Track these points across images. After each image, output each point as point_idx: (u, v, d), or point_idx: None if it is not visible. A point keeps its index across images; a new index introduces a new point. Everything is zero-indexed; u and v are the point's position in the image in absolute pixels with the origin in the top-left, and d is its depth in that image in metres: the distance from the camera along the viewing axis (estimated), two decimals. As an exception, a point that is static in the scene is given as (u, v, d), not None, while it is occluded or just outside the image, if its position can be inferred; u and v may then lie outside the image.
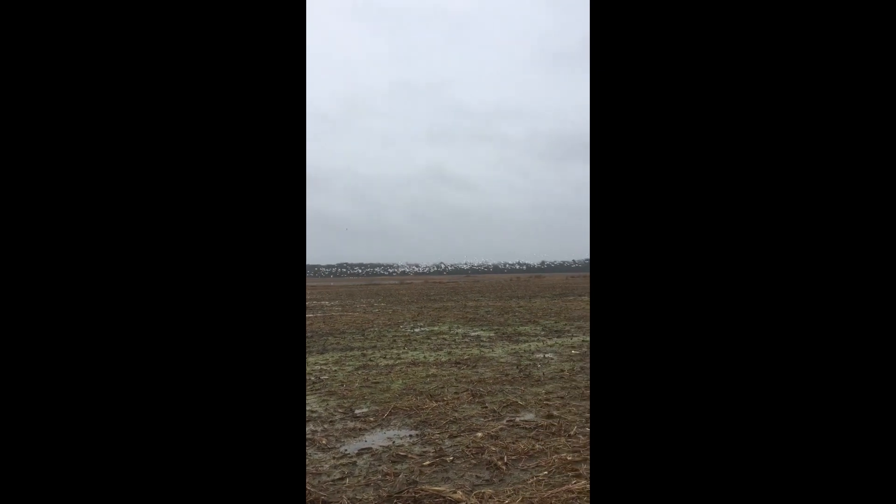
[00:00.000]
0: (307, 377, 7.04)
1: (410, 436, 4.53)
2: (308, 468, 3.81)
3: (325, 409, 5.47)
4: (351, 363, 8.13)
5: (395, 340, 10.74)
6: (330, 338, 11.32)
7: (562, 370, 7.18)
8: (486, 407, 5.38)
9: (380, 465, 3.83)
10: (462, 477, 3.58)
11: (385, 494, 3.31)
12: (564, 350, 9.00)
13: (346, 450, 4.21)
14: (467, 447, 4.16)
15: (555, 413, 5.07)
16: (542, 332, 11.54)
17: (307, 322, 14.62)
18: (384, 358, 8.56)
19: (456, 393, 5.99)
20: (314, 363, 8.23)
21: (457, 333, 11.76)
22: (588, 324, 12.99)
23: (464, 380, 6.70)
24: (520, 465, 3.77)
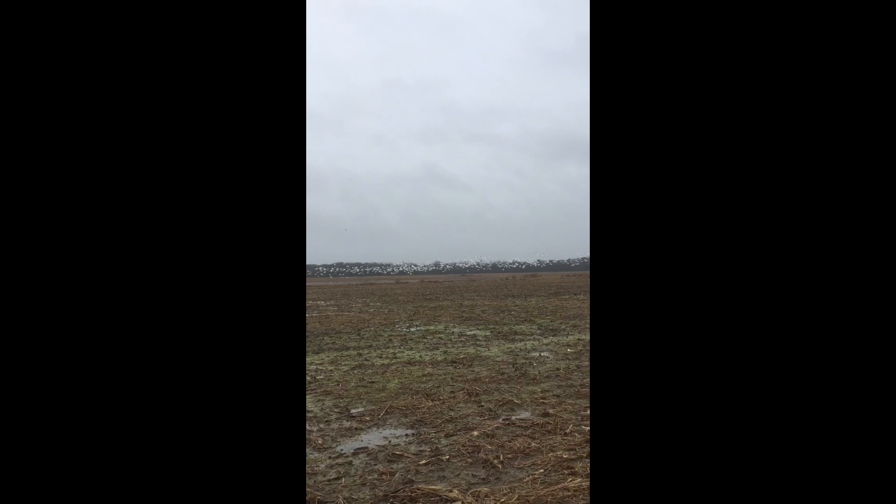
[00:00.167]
0: (303, 377, 7.02)
1: (406, 435, 4.52)
2: (304, 468, 3.80)
3: (321, 409, 5.47)
4: (347, 363, 8.12)
5: (390, 340, 10.73)
6: (325, 337, 11.31)
7: (557, 369, 7.19)
8: (482, 406, 5.38)
9: (376, 465, 3.83)
10: (458, 476, 3.59)
11: (381, 494, 3.31)
12: (560, 349, 9.02)
13: (342, 449, 4.21)
14: (463, 446, 4.16)
15: (550, 411, 5.07)
16: (538, 331, 11.56)
17: (303, 322, 14.54)
18: (380, 357, 8.56)
19: (452, 392, 6.00)
20: (310, 363, 8.21)
21: (453, 332, 11.76)
22: (583, 322, 13.01)
23: (460, 379, 6.70)
24: (516, 463, 3.77)
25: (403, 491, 3.33)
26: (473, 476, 3.57)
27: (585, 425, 4.57)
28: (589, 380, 6.38)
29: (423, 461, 3.86)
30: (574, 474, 3.48)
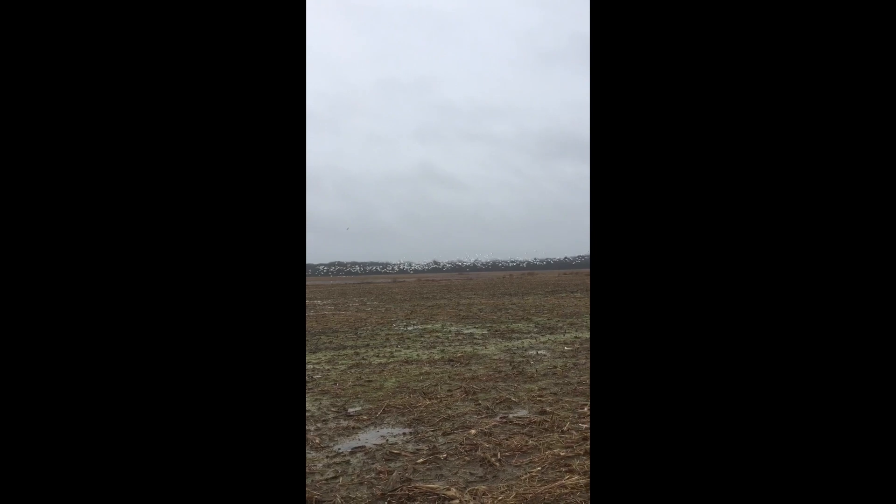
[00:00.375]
0: (300, 376, 7.01)
1: (404, 434, 4.53)
2: (301, 467, 3.80)
3: (318, 408, 5.47)
4: (344, 362, 8.12)
5: (388, 339, 10.73)
6: (322, 337, 11.30)
7: (554, 367, 7.20)
8: (480, 404, 5.39)
9: (373, 464, 3.83)
10: (456, 474, 3.59)
11: (379, 493, 3.31)
12: (557, 347, 9.03)
13: (339, 448, 4.21)
14: (461, 444, 4.17)
15: (548, 409, 5.08)
16: (535, 329, 11.57)
17: (300, 321, 14.52)
18: (377, 356, 8.56)
19: (449, 390, 6.00)
20: (307, 362, 8.21)
21: (450, 331, 11.77)
22: (580, 320, 13.03)
23: (457, 377, 6.70)
24: (513, 461, 3.78)
25: (401, 490, 3.33)
26: (471, 474, 3.58)
27: (582, 423, 4.58)
28: (586, 377, 6.40)
29: (421, 460, 3.87)
30: (571, 472, 3.49)
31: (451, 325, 12.91)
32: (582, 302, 19.06)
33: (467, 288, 36.85)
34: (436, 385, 6.31)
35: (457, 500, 3.15)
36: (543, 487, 3.26)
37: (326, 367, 7.71)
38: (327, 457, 4.02)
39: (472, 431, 4.48)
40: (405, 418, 4.98)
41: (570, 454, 3.83)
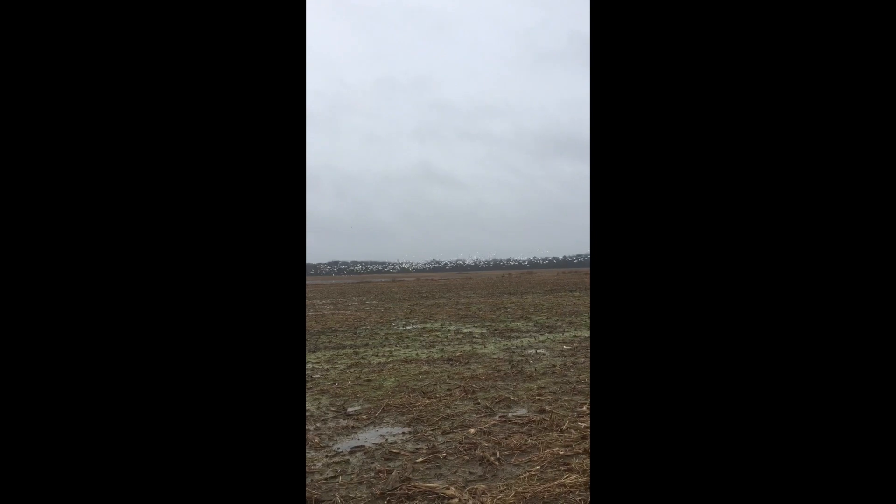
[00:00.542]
0: (299, 376, 7.01)
1: (403, 433, 4.53)
2: (301, 467, 3.80)
3: (318, 408, 5.47)
4: (343, 361, 8.12)
5: (387, 338, 10.74)
6: (322, 336, 11.30)
7: (553, 365, 7.21)
8: (479, 403, 5.39)
9: (373, 463, 3.84)
10: (455, 473, 3.60)
11: (378, 492, 3.31)
12: (556, 346, 9.04)
13: (338, 448, 4.21)
14: (460, 443, 4.17)
15: (547, 408, 5.09)
16: (534, 328, 11.58)
17: (299, 321, 14.50)
18: (376, 356, 8.56)
19: (448, 390, 6.01)
20: (306, 362, 8.21)
21: (449, 330, 11.77)
22: (579, 319, 13.04)
23: (456, 376, 6.71)
24: (512, 460, 3.78)
25: (400, 489, 3.33)
26: (470, 473, 3.58)
27: (581, 422, 4.59)
28: (585, 376, 6.40)
29: (420, 459, 3.87)
30: (570, 470, 3.49)
31: (451, 324, 12.92)
32: (581, 301, 19.08)
33: (466, 287, 36.85)
34: (435, 384, 6.31)
35: (456, 499, 3.16)
36: (542, 486, 3.26)
37: (326, 367, 7.71)
38: (327, 456, 4.03)
39: (472, 430, 4.49)
40: (404, 417, 4.98)
41: (570, 453, 3.83)
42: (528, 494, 3.16)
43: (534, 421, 4.69)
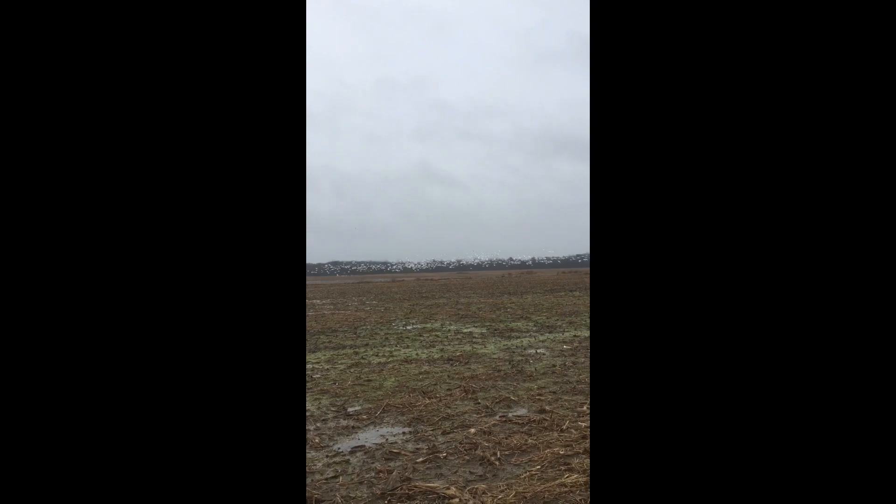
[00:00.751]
0: (299, 376, 7.00)
1: (403, 433, 4.53)
2: (301, 467, 3.80)
3: (318, 408, 5.47)
4: (343, 361, 8.12)
5: (387, 338, 10.74)
6: (322, 336, 11.30)
7: (553, 365, 7.21)
8: (479, 403, 5.39)
9: (373, 463, 3.84)
10: (455, 473, 3.60)
11: (379, 492, 3.31)
12: (556, 345, 9.04)
13: (339, 448, 4.21)
14: (460, 443, 4.17)
15: (547, 408, 5.09)
16: (534, 328, 11.58)
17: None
18: (376, 356, 8.56)
19: (448, 389, 6.01)
20: (306, 362, 8.21)
21: (449, 330, 11.77)
22: (579, 319, 13.04)
23: (456, 376, 6.71)
24: (513, 460, 3.78)
25: (401, 489, 3.34)
26: (471, 473, 3.58)
27: (582, 421, 4.59)
28: (585, 376, 6.40)
29: (421, 459, 3.87)
30: (571, 470, 3.49)
31: (451, 324, 12.92)
32: (581, 301, 19.08)
33: (466, 287, 36.85)
34: (435, 384, 6.32)
35: (456, 499, 3.16)
36: (543, 486, 3.26)
37: (326, 367, 7.71)
38: (327, 456, 4.03)
39: (472, 430, 4.49)
40: (405, 417, 4.98)
41: (570, 453, 3.83)
42: (529, 494, 3.16)
43: (534, 421, 4.69)
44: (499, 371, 6.97)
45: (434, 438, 4.34)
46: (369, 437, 4.48)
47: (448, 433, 4.46)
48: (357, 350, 9.25)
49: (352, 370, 7.39)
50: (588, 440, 4.03)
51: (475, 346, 9.31)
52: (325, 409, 5.43)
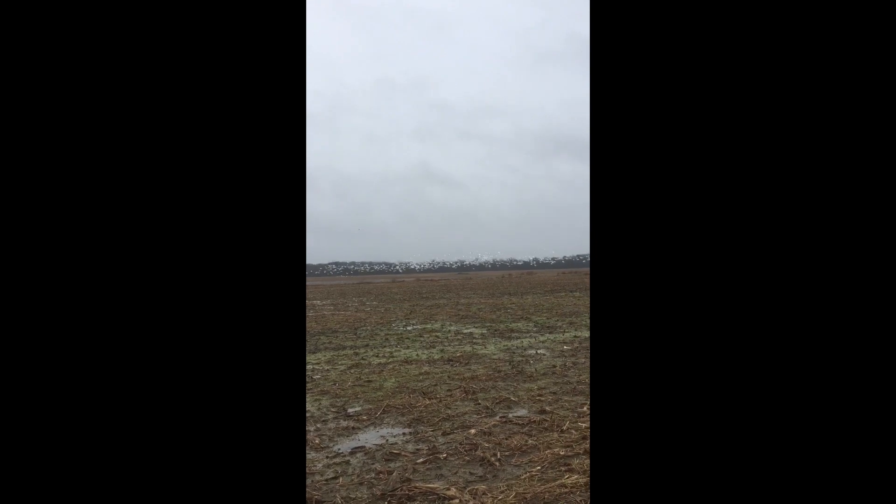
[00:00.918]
0: (299, 377, 7.00)
1: (404, 434, 4.53)
2: (301, 468, 3.79)
3: (318, 409, 5.47)
4: (343, 362, 8.12)
5: (387, 339, 10.74)
6: (322, 337, 11.30)
7: (554, 366, 7.20)
8: (479, 403, 5.39)
9: (373, 464, 3.83)
10: (455, 473, 3.59)
11: (379, 493, 3.31)
12: (556, 346, 9.03)
13: (339, 449, 4.21)
14: (460, 444, 4.17)
15: (547, 408, 5.09)
16: (534, 329, 11.58)
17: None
18: (377, 356, 8.56)
19: (449, 390, 6.00)
20: (306, 362, 8.21)
21: (449, 331, 11.77)
22: (579, 319, 13.04)
23: (456, 377, 6.71)
24: (513, 460, 3.78)
25: (401, 489, 3.33)
26: (471, 474, 3.58)
27: (582, 422, 4.59)
28: (585, 376, 6.40)
29: (421, 459, 3.87)
30: (571, 471, 3.49)
31: (451, 325, 12.92)
32: (581, 301, 19.08)
33: (466, 287, 36.85)
34: (435, 385, 6.31)
35: (457, 500, 3.16)
36: (543, 486, 3.26)
37: (326, 368, 7.71)
38: (327, 457, 4.02)
39: (472, 431, 4.49)
40: (405, 418, 4.98)
41: (570, 453, 3.83)
42: (529, 495, 3.16)
43: (534, 421, 4.69)
44: (499, 372, 6.97)
45: (434, 439, 4.34)
46: (369, 437, 4.48)
47: (448, 434, 4.46)
48: (357, 351, 9.25)
49: (352, 371, 7.39)
50: (588, 441, 4.03)
51: (475, 346, 9.31)
52: (325, 409, 5.43)
